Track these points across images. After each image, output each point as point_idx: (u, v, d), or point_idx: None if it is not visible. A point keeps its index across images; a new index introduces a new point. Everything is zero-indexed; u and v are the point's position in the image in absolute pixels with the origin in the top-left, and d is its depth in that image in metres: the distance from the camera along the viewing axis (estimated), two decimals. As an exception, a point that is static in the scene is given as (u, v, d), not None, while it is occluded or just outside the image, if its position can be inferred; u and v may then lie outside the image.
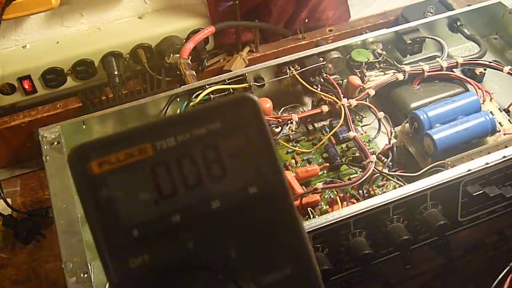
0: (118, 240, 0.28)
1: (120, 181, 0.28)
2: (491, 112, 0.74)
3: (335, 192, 0.70)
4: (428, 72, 0.80)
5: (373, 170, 0.69)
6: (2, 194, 0.78)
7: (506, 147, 0.67)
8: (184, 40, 0.92)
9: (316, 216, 0.66)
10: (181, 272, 0.28)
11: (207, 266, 0.29)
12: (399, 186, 0.68)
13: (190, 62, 0.85)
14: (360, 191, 0.70)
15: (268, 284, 0.29)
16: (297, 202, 0.68)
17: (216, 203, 0.29)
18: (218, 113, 0.29)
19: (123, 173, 0.28)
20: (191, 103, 0.76)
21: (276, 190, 0.29)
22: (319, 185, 0.68)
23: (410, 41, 0.84)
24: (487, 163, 0.64)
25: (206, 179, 0.29)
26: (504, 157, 0.64)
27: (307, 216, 0.68)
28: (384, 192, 0.69)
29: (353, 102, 0.77)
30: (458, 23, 0.88)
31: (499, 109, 0.77)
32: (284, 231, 0.29)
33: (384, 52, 0.82)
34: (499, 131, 0.74)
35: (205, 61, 0.93)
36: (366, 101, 0.78)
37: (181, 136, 0.28)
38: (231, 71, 0.88)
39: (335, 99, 0.78)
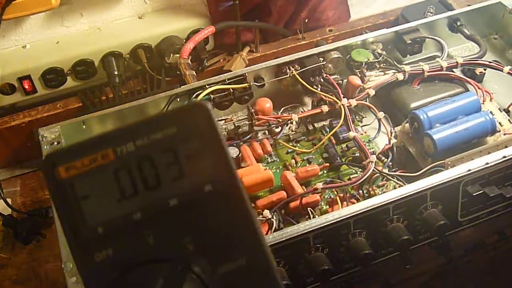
0: (84, 237, 0.31)
1: (86, 184, 0.31)
2: (491, 112, 0.74)
3: (335, 192, 0.70)
4: (428, 72, 0.80)
5: (373, 170, 0.69)
6: (2, 194, 0.78)
7: (506, 147, 0.67)
8: (184, 40, 0.92)
9: (316, 216, 0.66)
10: (142, 265, 0.31)
11: (166, 258, 0.31)
12: (399, 186, 0.68)
13: (190, 62, 0.85)
14: (360, 191, 0.70)
15: (224, 274, 0.32)
16: (297, 202, 0.68)
17: (174, 201, 0.31)
18: (173, 119, 0.31)
19: (88, 176, 0.31)
20: (191, 103, 0.76)
21: (229, 187, 0.31)
22: (319, 185, 0.68)
23: (410, 41, 0.84)
24: (487, 163, 0.64)
25: (165, 180, 0.31)
26: (504, 157, 0.64)
27: (307, 216, 0.68)
28: (384, 192, 0.69)
29: (353, 102, 0.77)
30: (458, 23, 0.88)
31: (499, 109, 0.77)
32: (238, 225, 0.32)
33: (384, 52, 0.82)
34: (499, 131, 0.74)
35: (205, 61, 0.93)
36: (366, 101, 0.78)
37: (139, 141, 0.31)
38: (231, 71, 0.88)
39: (335, 99, 0.78)
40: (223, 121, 0.82)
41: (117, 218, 0.31)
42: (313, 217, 0.67)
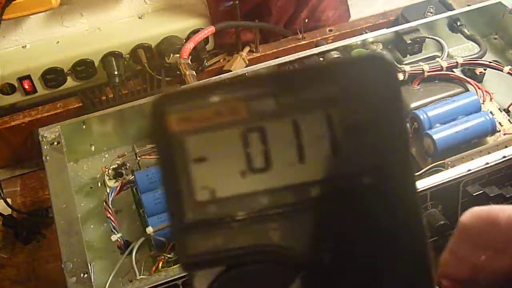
0: (189, 215, 0.23)
1: (202, 144, 0.23)
2: (491, 112, 0.74)
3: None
4: (428, 72, 0.80)
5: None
6: (2, 194, 0.78)
7: (506, 147, 0.67)
8: (184, 40, 0.91)
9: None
10: (255, 265, 0.23)
11: (290, 264, 0.23)
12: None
13: (190, 62, 0.85)
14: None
15: None
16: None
17: (315, 189, 0.23)
18: (335, 74, 0.22)
19: (207, 134, 0.23)
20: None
21: (396, 186, 0.23)
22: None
23: (410, 41, 0.84)
24: (487, 163, 0.64)
25: (310, 156, 0.23)
26: (504, 157, 0.64)
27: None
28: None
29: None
30: (458, 23, 0.88)
31: (499, 109, 0.77)
32: (400, 240, 0.23)
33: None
34: (499, 131, 0.74)
35: (205, 61, 0.93)
36: (366, 101, 0.78)
37: (284, 98, 0.22)
38: (231, 71, 0.88)
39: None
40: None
41: (236, 198, 0.23)
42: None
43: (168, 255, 0.62)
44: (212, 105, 0.23)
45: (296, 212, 0.23)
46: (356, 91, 0.22)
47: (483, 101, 0.77)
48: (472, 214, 0.34)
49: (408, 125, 0.21)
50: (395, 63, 0.21)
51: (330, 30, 0.99)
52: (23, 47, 0.89)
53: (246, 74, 0.79)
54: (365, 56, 0.23)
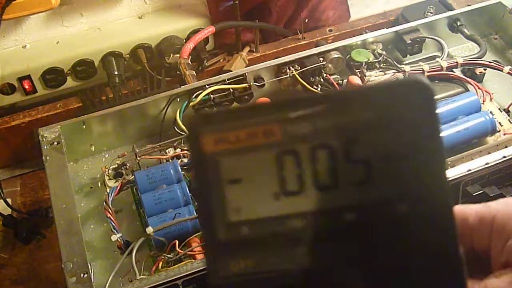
0: (222, 235, 0.23)
1: (236, 165, 0.23)
2: (491, 112, 0.74)
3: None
4: (428, 72, 0.80)
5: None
6: (2, 194, 0.78)
7: (506, 147, 0.67)
8: (184, 40, 0.91)
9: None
10: None
11: None
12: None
13: (190, 62, 0.85)
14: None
15: None
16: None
17: (349, 215, 0.23)
18: (373, 99, 0.22)
19: (242, 155, 0.23)
20: (191, 103, 0.76)
21: (433, 214, 0.22)
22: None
23: (410, 41, 0.84)
24: (487, 163, 0.64)
25: (344, 181, 0.23)
26: (504, 157, 0.64)
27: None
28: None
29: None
30: (458, 23, 0.88)
31: (499, 109, 0.77)
32: (435, 267, 0.22)
33: (384, 52, 0.82)
34: (499, 131, 0.74)
35: (205, 61, 0.93)
36: (366, 101, 0.78)
37: (320, 122, 0.22)
38: (231, 71, 0.88)
39: (335, 99, 0.78)
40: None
41: (269, 220, 0.23)
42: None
43: (168, 255, 0.62)
44: (247, 127, 0.23)
45: (329, 237, 0.23)
46: (394, 117, 0.22)
47: (483, 101, 0.77)
48: None
49: (444, 152, 0.21)
50: (433, 89, 0.20)
51: (330, 30, 0.99)
52: (23, 47, 0.89)
53: (246, 74, 0.79)
54: (405, 81, 0.23)
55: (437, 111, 0.22)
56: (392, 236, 0.23)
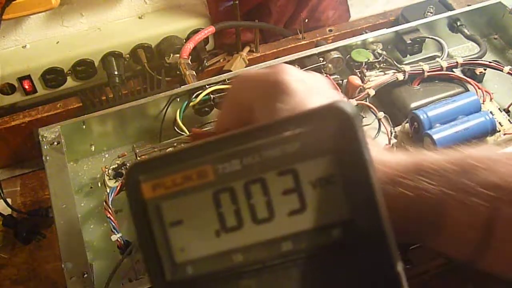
0: (169, 277, 0.24)
1: (176, 208, 0.24)
2: (491, 112, 0.74)
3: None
4: (428, 72, 0.80)
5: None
6: (2, 194, 0.78)
7: (506, 147, 0.67)
8: (184, 40, 0.91)
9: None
10: None
11: None
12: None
13: (190, 62, 0.85)
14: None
15: None
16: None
17: (287, 245, 0.23)
18: (296, 129, 0.23)
19: (180, 198, 0.24)
20: (191, 103, 0.76)
21: (367, 237, 0.22)
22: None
23: (410, 41, 0.84)
24: (487, 163, 0.64)
25: (279, 212, 0.23)
26: (504, 157, 0.64)
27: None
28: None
29: (353, 102, 0.77)
30: (458, 23, 0.88)
31: (499, 109, 0.77)
32: None
33: (384, 52, 0.82)
34: (499, 131, 0.74)
35: (205, 61, 0.93)
36: (366, 101, 0.78)
37: (248, 158, 0.23)
38: (231, 71, 0.88)
39: (335, 99, 0.78)
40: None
41: (212, 257, 0.24)
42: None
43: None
44: (182, 170, 0.24)
45: (269, 267, 0.23)
46: (317, 144, 0.22)
47: (483, 101, 0.77)
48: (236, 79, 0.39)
49: (373, 173, 0.21)
50: (356, 113, 0.21)
51: (330, 30, 0.99)
52: (23, 47, 0.89)
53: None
54: (323, 107, 0.22)
55: (360, 135, 0.22)
56: (328, 262, 0.23)
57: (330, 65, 0.82)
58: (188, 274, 0.24)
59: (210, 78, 0.78)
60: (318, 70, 0.80)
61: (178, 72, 0.86)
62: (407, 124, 0.75)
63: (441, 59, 0.82)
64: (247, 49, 0.96)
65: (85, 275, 0.57)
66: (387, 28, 0.87)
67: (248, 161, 0.23)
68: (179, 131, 0.75)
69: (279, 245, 0.23)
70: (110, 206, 0.66)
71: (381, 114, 0.77)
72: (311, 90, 0.35)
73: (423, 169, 0.32)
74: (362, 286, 0.23)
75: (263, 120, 0.30)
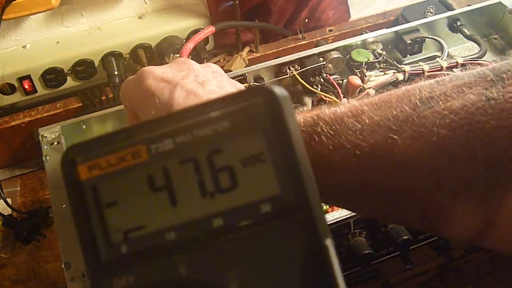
0: (105, 257, 0.25)
1: (111, 189, 0.25)
2: (491, 112, 0.74)
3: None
4: (428, 72, 0.80)
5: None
6: (2, 194, 0.78)
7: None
8: (184, 40, 0.92)
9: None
10: None
11: None
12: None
13: (190, 62, 0.85)
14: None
15: None
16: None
17: (218, 221, 0.24)
18: (226, 109, 0.24)
19: (115, 179, 0.24)
20: (191, 103, 0.76)
21: (296, 211, 0.23)
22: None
23: (410, 41, 0.84)
24: (487, 163, 0.64)
25: (211, 191, 0.24)
26: (504, 157, 0.64)
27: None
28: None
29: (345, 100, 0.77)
30: (458, 23, 0.88)
31: (499, 109, 0.77)
32: (305, 265, 0.23)
33: (384, 52, 0.82)
34: (499, 131, 0.74)
35: (205, 61, 0.92)
36: (366, 101, 0.78)
37: (180, 137, 0.24)
38: (231, 71, 0.88)
39: (335, 99, 0.78)
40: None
41: (146, 236, 0.24)
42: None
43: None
44: (116, 151, 0.24)
45: (201, 244, 0.24)
46: (246, 122, 0.23)
47: (483, 101, 0.77)
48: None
49: (300, 148, 0.23)
50: (285, 93, 0.22)
51: (330, 30, 0.99)
52: (23, 47, 0.89)
53: (246, 74, 0.79)
54: (252, 88, 0.25)
55: (285, 109, 0.23)
56: (258, 238, 0.23)
57: (330, 65, 0.82)
58: (122, 253, 0.24)
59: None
60: (318, 70, 0.80)
61: (178, 72, 0.85)
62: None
63: (441, 59, 0.82)
64: (247, 49, 0.96)
65: (85, 275, 0.57)
66: (387, 28, 0.87)
67: (180, 139, 0.24)
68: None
69: (210, 222, 0.24)
70: (110, 206, 0.66)
71: (381, 114, 0.77)
72: (175, 86, 0.43)
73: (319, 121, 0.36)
74: (290, 260, 0.23)
75: None
